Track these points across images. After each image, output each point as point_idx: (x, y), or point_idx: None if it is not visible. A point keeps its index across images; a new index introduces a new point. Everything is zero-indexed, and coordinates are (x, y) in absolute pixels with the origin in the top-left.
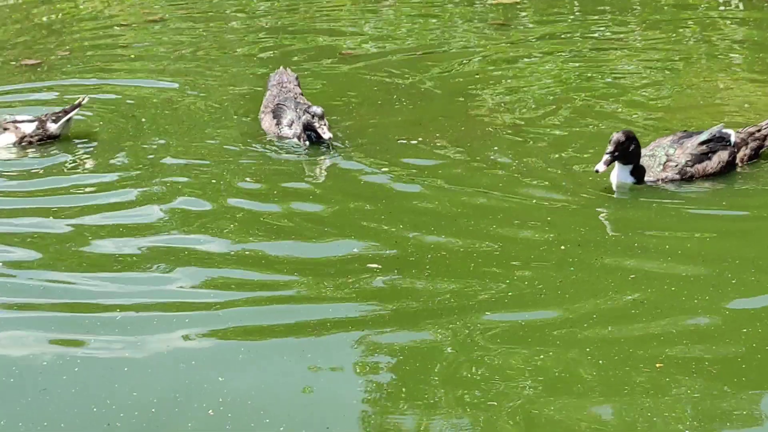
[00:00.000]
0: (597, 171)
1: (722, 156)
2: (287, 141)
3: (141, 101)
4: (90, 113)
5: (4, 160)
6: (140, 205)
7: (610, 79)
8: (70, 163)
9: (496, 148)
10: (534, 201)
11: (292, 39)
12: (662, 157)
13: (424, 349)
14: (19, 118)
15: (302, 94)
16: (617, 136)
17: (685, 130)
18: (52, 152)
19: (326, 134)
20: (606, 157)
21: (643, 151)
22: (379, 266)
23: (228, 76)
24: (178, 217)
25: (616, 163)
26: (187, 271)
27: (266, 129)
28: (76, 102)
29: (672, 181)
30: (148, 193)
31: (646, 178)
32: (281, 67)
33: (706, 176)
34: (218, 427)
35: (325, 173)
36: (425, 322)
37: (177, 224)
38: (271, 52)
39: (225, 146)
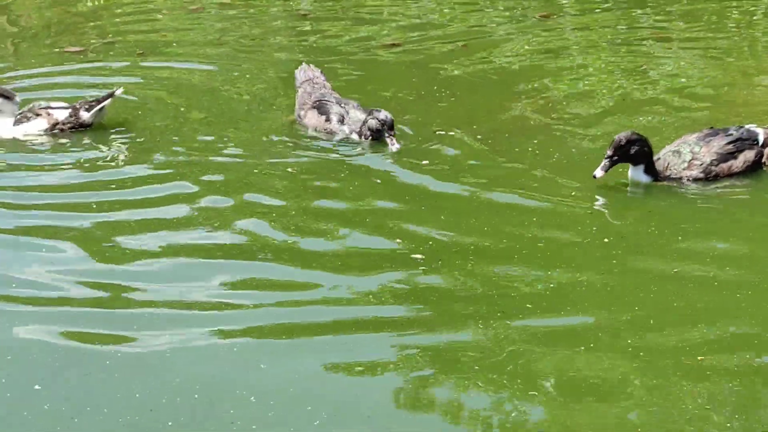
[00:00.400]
0: (595, 176)
1: (748, 155)
2: (337, 137)
3: (180, 90)
4: (131, 99)
5: (35, 147)
6: (171, 202)
7: (653, 73)
8: (102, 154)
9: (535, 141)
10: (571, 198)
11: (332, 27)
12: (687, 154)
13: (461, 347)
14: (53, 104)
15: (332, 88)
16: (617, 138)
17: (711, 127)
18: (83, 142)
19: (394, 146)
20: (605, 162)
21: (668, 148)
22: (422, 257)
23: (268, 64)
24: (212, 213)
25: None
26: (226, 267)
27: (312, 125)
28: (110, 92)
29: (696, 179)
30: (180, 188)
31: (668, 174)
32: (304, 64)
33: (731, 176)
34: (260, 413)
35: (363, 167)
36: (463, 320)
37: (211, 219)
38: (312, 40)
39: (264, 138)
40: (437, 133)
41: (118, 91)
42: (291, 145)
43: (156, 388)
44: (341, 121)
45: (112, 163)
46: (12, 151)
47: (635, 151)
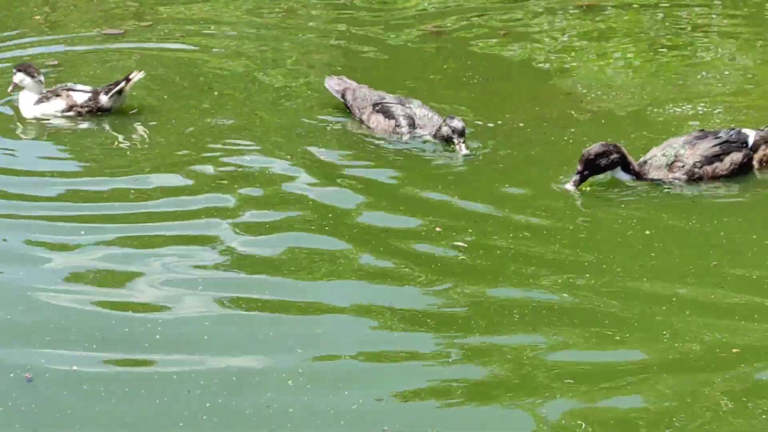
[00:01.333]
0: (567, 190)
1: (735, 158)
2: (406, 137)
3: (215, 76)
4: (159, 83)
5: (50, 127)
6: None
7: (692, 67)
8: (120, 142)
9: (573, 130)
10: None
11: (373, 14)
12: (671, 157)
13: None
14: (77, 86)
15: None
16: (585, 153)
17: (701, 130)
18: (101, 125)
19: (463, 151)
20: (575, 177)
21: (655, 150)
22: (464, 245)
23: (306, 50)
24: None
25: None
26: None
27: (380, 129)
28: (128, 75)
29: (679, 180)
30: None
31: (652, 176)
32: (328, 76)
33: (717, 178)
34: (299, 394)
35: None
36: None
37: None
38: (352, 27)
39: (292, 129)
40: (475, 122)
41: (137, 76)
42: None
43: (192, 370)
44: (411, 123)
45: (117, 151)
46: (27, 130)
47: (605, 163)
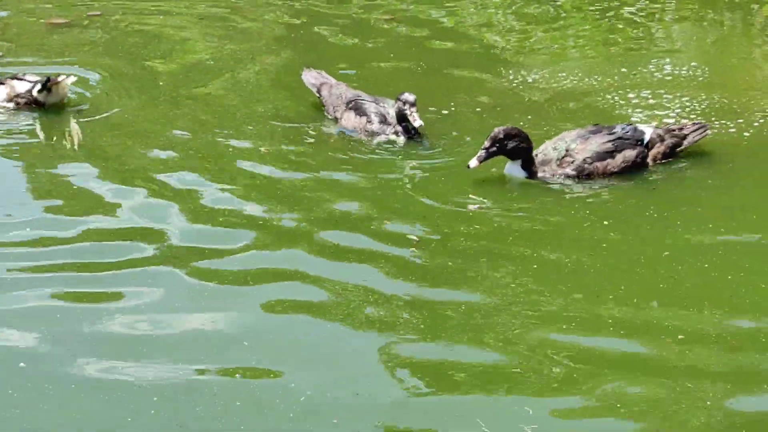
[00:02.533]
0: (469, 167)
1: (627, 155)
2: (379, 138)
3: (166, 75)
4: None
5: None
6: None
7: (649, 52)
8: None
9: (529, 117)
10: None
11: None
12: (562, 151)
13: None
14: (27, 77)
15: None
16: (495, 132)
17: (596, 124)
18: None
19: (417, 122)
20: (481, 153)
21: (547, 144)
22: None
23: (257, 40)
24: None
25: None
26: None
27: (351, 126)
28: (57, 78)
29: (568, 177)
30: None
31: (540, 174)
32: (306, 68)
33: (608, 175)
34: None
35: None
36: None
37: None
38: (306, 20)
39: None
40: (429, 109)
41: (67, 80)
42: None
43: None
44: (383, 121)
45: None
46: None
47: (512, 146)
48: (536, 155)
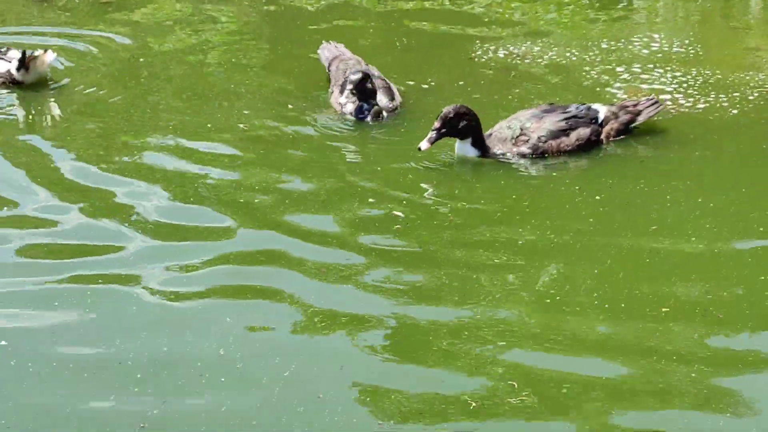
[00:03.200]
0: (420, 149)
1: (582, 133)
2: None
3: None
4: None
5: None
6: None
7: (630, 29)
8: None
9: (496, 97)
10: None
11: None
12: (516, 130)
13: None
14: (10, 54)
15: (363, 61)
16: (445, 111)
17: (550, 103)
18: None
19: (341, 99)
20: (431, 134)
21: (502, 123)
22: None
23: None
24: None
25: (456, 140)
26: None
27: (333, 105)
28: (33, 52)
29: (523, 156)
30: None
31: (495, 151)
32: (324, 41)
33: (562, 153)
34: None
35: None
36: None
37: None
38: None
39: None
40: (407, 83)
41: (47, 55)
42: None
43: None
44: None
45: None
46: None
47: (463, 125)
48: (490, 134)
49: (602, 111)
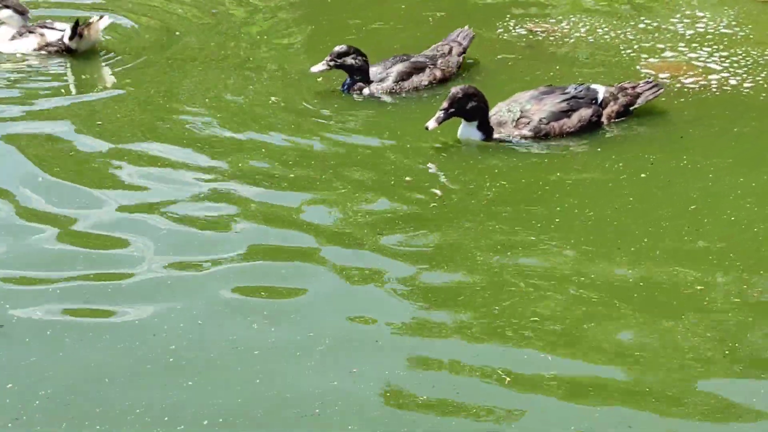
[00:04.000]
0: (427, 128)
1: (583, 114)
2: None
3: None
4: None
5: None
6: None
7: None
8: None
9: (558, 67)
10: None
11: None
12: (517, 112)
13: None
14: (54, 25)
15: (454, 53)
16: (453, 91)
17: (549, 85)
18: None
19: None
20: (439, 113)
21: (501, 105)
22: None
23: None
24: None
25: (462, 121)
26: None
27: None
28: (89, 20)
29: (525, 138)
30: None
31: (497, 135)
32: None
33: (564, 135)
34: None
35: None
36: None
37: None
38: None
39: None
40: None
41: (101, 22)
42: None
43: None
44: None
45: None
46: None
47: (472, 106)
48: (490, 117)
49: (601, 91)
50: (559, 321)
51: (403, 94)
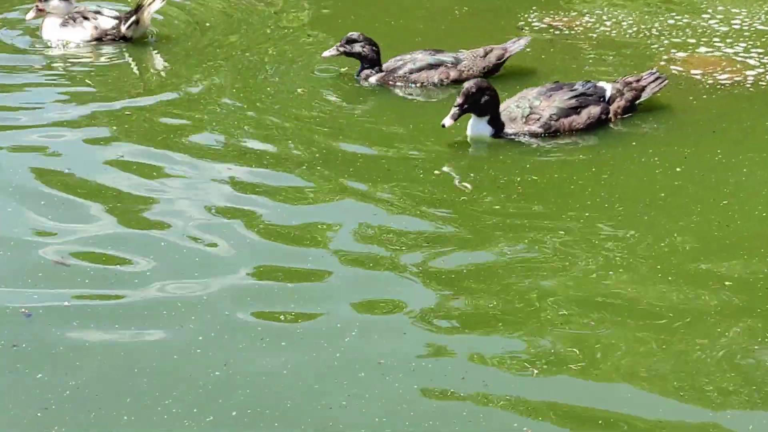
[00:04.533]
0: (444, 126)
1: (592, 111)
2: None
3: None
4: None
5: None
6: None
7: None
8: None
9: (591, 56)
10: None
11: None
12: (526, 109)
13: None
14: (103, 11)
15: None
16: (467, 87)
17: (556, 81)
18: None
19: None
20: (454, 110)
21: (509, 102)
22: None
23: None
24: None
25: (472, 115)
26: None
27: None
28: (141, 3)
29: (535, 135)
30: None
31: (507, 131)
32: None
33: (573, 131)
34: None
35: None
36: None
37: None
38: None
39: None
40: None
41: (155, 4)
42: None
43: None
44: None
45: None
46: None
47: (485, 100)
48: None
49: (608, 88)
50: (587, 314)
51: (412, 87)
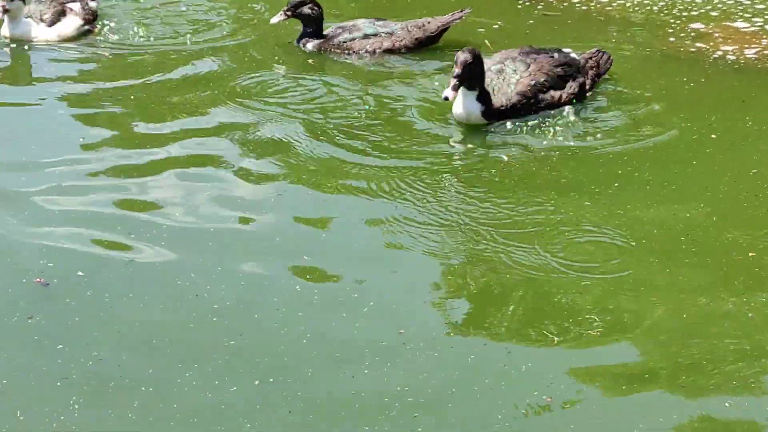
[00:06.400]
0: (446, 98)
1: (573, 85)
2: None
3: None
4: None
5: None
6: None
7: None
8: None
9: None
10: None
11: None
12: (511, 75)
13: None
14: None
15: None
16: (463, 56)
17: (530, 45)
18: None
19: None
20: (453, 81)
21: (488, 65)
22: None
23: None
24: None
25: (460, 91)
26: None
27: None
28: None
29: (520, 102)
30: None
31: (495, 100)
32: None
33: (559, 102)
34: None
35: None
36: None
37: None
38: None
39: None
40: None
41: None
42: None
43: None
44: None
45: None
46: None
47: (479, 70)
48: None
49: (580, 58)
50: (614, 285)
51: (348, 54)
